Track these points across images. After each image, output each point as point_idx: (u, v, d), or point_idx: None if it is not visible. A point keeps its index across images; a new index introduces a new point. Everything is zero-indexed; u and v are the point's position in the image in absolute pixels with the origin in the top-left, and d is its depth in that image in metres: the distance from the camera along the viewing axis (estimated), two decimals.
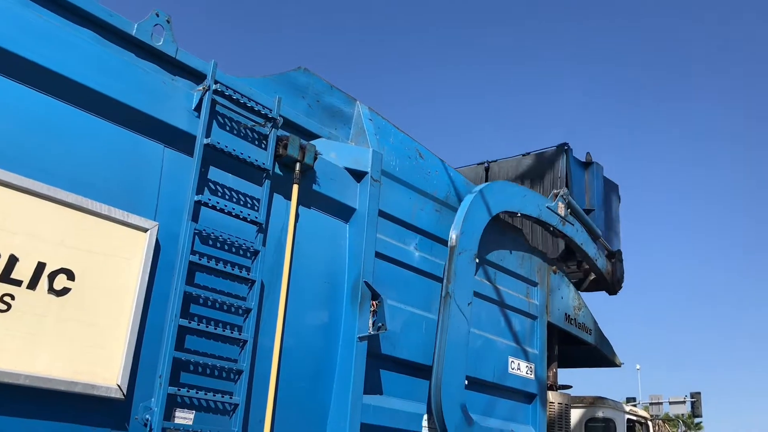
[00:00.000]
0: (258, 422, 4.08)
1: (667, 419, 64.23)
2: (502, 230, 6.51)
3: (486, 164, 9.01)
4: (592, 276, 8.00)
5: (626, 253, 9.22)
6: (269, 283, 4.31)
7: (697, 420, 61.24)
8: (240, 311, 4.11)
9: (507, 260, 6.51)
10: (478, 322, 6.04)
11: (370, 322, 4.80)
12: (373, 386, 4.96)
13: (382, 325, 4.78)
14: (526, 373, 6.46)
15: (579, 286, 8.10)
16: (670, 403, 43.30)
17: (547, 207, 6.97)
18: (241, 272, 4.11)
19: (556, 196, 7.07)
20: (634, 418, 7.81)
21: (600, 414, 7.52)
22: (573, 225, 7.34)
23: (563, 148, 8.39)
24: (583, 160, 8.73)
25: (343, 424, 4.55)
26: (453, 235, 5.58)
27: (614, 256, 8.16)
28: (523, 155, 8.82)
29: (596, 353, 8.06)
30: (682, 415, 60.54)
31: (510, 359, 6.29)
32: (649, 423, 8.01)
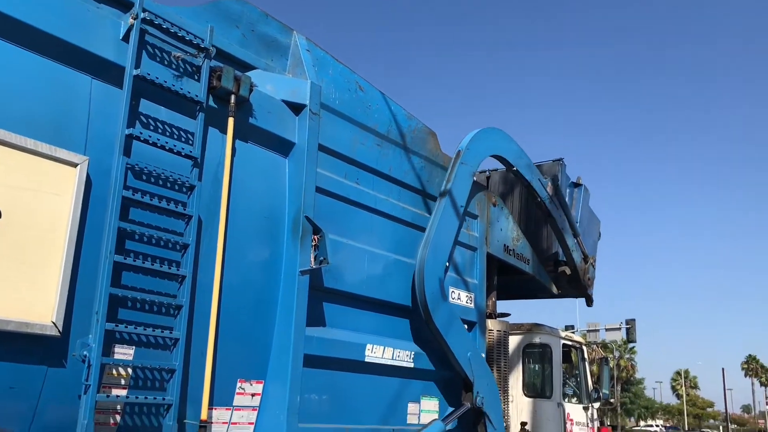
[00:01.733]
0: (200, 356, 4.10)
1: (603, 345, 67.28)
2: (444, 165, 6.55)
3: (487, 173, 9.20)
4: (568, 272, 8.33)
5: None
6: (207, 218, 4.26)
7: (631, 345, 64.70)
8: (177, 247, 4.06)
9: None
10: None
11: (312, 256, 4.82)
12: (316, 319, 5.02)
13: (324, 259, 4.81)
14: (466, 303, 6.63)
15: (556, 285, 8.61)
16: (606, 329, 45.31)
17: (539, 180, 7.78)
18: (177, 208, 4.05)
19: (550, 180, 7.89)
20: (570, 343, 8.15)
21: (537, 340, 7.81)
22: (558, 210, 8.03)
23: (559, 162, 8.92)
24: (574, 180, 9.47)
25: (285, 356, 4.61)
26: (462, 144, 6.57)
27: (588, 260, 8.69)
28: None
29: (534, 283, 8.32)
30: (616, 341, 63.60)
31: (450, 289, 6.43)
32: (584, 347, 8.37)
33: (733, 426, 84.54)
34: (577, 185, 9.48)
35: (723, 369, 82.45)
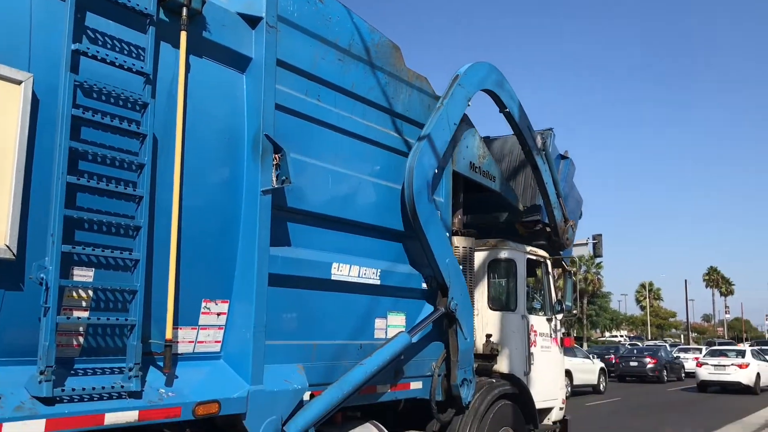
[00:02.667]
0: (162, 277, 4.08)
1: (571, 262, 69.07)
2: (410, 81, 6.43)
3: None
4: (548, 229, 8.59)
5: None
6: (163, 137, 4.15)
7: (597, 260, 66.38)
8: (133, 167, 3.97)
9: (413, 110, 6.49)
10: (385, 173, 6.11)
11: (274, 175, 4.76)
12: (280, 238, 5.00)
13: (286, 178, 4.75)
14: None
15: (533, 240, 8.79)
16: (574, 245, 46.73)
17: (529, 128, 7.99)
18: (130, 126, 3.93)
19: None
20: (534, 257, 8.28)
21: (502, 255, 7.91)
22: (544, 164, 8.24)
23: (549, 131, 8.93)
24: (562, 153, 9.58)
25: (250, 275, 4.61)
26: (461, 70, 6.94)
27: (568, 222, 8.79)
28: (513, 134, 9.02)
29: (501, 200, 8.37)
30: (583, 256, 65.15)
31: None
32: (548, 262, 8.52)
33: (694, 334, 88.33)
34: (563, 158, 9.68)
35: (686, 281, 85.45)
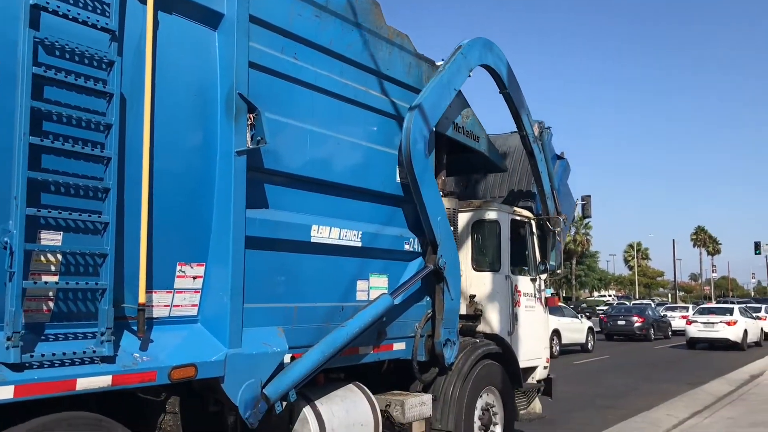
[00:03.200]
0: (134, 241, 3.99)
1: None
2: (390, 39, 6.27)
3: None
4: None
5: None
6: (131, 96, 4.02)
7: (586, 220, 66.72)
8: (100, 128, 3.85)
9: (394, 69, 6.35)
10: (366, 134, 6.00)
11: (248, 136, 4.65)
12: (257, 200, 4.92)
13: (262, 138, 4.65)
14: None
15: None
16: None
17: (527, 114, 8.11)
18: (96, 85, 3.80)
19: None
20: (518, 218, 8.22)
21: (486, 216, 7.85)
22: (540, 153, 8.34)
23: (547, 130, 8.94)
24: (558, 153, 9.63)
25: (225, 239, 4.53)
26: (464, 42, 7.10)
27: (561, 215, 8.79)
28: (511, 133, 9.06)
29: (485, 160, 8.28)
30: (573, 217, 65.34)
31: (398, 169, 6.35)
32: (532, 222, 8.47)
33: (681, 293, 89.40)
34: (560, 158, 9.73)
35: (673, 240, 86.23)
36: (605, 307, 42.41)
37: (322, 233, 5.45)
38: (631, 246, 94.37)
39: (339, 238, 5.62)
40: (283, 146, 5.10)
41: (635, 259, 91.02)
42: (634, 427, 10.02)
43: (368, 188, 6.02)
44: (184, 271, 4.38)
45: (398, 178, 6.35)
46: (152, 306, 4.18)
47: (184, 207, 4.38)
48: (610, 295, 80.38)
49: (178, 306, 4.36)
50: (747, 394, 13.35)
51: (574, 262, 69.14)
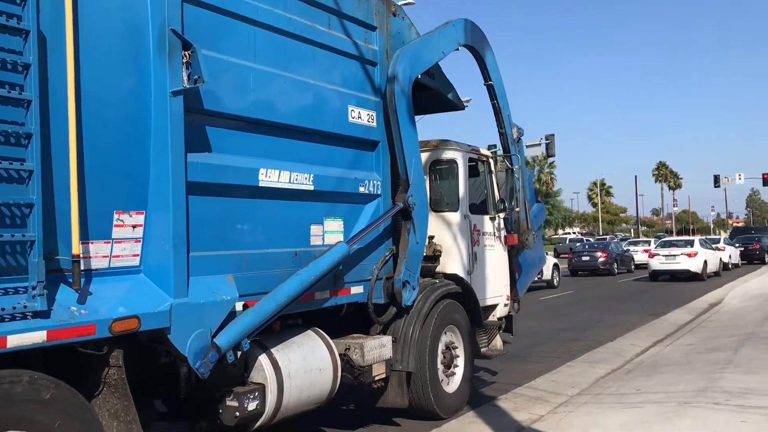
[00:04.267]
0: (63, 189, 3.76)
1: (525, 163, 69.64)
2: None
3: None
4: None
5: None
6: (51, 34, 3.72)
7: (550, 159, 67.15)
8: (18, 68, 3.56)
9: (343, 3, 6.07)
10: (315, 72, 5.76)
11: (184, 74, 4.39)
12: (200, 144, 4.70)
13: (199, 77, 4.40)
14: (368, 122, 6.37)
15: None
16: (527, 146, 46.62)
17: (508, 115, 8.60)
18: (9, 21, 3.50)
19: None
20: (476, 156, 8.10)
21: (443, 156, 7.71)
22: (516, 154, 8.67)
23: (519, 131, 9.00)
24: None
25: (165, 184, 4.32)
26: (454, 19, 7.63)
27: (530, 229, 8.84)
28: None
29: (440, 98, 8.10)
30: (537, 156, 65.79)
31: (350, 108, 6.14)
32: (491, 160, 8.36)
33: (644, 228, 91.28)
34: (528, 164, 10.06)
35: (636, 176, 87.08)
36: (577, 244, 43.02)
37: (270, 177, 5.26)
38: (594, 183, 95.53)
39: (289, 182, 5.44)
40: (224, 86, 4.85)
41: (599, 196, 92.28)
42: (598, 358, 10.19)
43: (319, 129, 5.82)
44: (122, 220, 4.17)
45: (350, 118, 6.15)
46: (89, 257, 3.98)
47: (118, 152, 4.14)
48: (574, 233, 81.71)
49: (118, 256, 4.17)
50: (706, 322, 13.72)
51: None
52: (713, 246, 31.05)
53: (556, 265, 26.27)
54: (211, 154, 4.80)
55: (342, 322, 6.46)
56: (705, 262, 27.84)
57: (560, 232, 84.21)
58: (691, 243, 28.94)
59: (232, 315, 4.80)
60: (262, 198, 5.22)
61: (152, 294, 4.26)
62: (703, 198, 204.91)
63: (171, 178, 4.32)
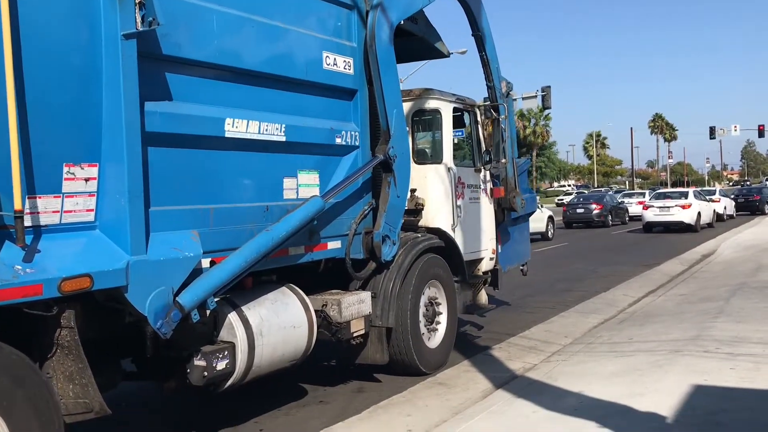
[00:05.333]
0: (3, 141, 3.49)
1: (520, 115, 68.87)
2: None
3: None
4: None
5: None
6: None
7: (546, 112, 66.56)
8: None
9: None
10: (283, 15, 5.43)
11: (137, 16, 4.08)
12: (159, 92, 4.43)
13: (153, 19, 4.11)
14: (345, 69, 6.07)
15: None
16: (523, 98, 45.88)
17: (496, 68, 8.31)
18: None
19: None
20: (461, 106, 7.80)
21: (427, 105, 7.41)
22: (504, 113, 8.25)
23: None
24: None
25: (118, 135, 4.05)
26: None
27: (517, 191, 8.49)
28: None
29: (424, 44, 7.77)
30: (532, 109, 65.22)
31: (324, 54, 5.83)
32: (477, 110, 8.05)
33: (638, 180, 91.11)
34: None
35: (631, 128, 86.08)
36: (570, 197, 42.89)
37: (238, 127, 4.99)
38: (590, 135, 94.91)
39: (259, 133, 5.17)
40: (185, 30, 4.55)
41: (594, 149, 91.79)
42: (591, 308, 10.20)
43: (291, 77, 5.52)
44: (73, 173, 3.91)
45: (325, 65, 5.84)
46: (37, 213, 3.74)
47: (66, 100, 3.86)
48: (569, 185, 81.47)
49: (70, 212, 3.92)
50: (699, 272, 13.73)
51: (534, 153, 69.42)
52: (707, 197, 30.93)
53: (550, 218, 26.14)
54: (172, 103, 4.53)
55: (322, 278, 6.28)
56: (699, 213, 27.77)
57: (555, 185, 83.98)
58: (685, 195, 28.84)
59: (198, 272, 4.59)
60: (229, 149, 4.96)
61: (108, 251, 4.04)
62: (698, 150, 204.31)
63: (124, 128, 4.04)
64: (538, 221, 25.18)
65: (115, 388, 4.85)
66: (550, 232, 25.79)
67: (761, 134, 46.54)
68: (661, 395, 5.28)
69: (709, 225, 29.22)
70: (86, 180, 3.99)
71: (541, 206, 27.36)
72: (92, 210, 4.05)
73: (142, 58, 4.15)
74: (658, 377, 5.82)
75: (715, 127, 52.39)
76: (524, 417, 5.13)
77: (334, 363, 7.38)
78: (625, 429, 4.65)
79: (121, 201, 4.07)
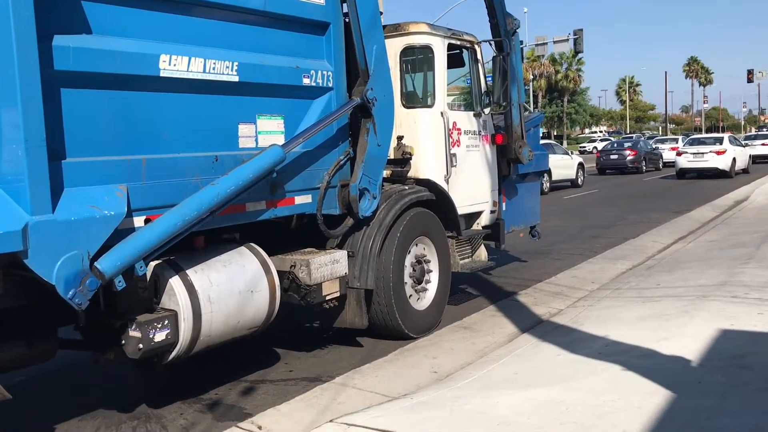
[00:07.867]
0: None
1: (552, 60, 66.63)
2: None
3: None
4: None
5: None
6: None
7: (578, 56, 64.28)
8: None
9: None
10: None
11: None
12: (71, 23, 3.79)
13: None
14: None
15: None
16: (555, 42, 44.22)
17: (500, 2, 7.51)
18: None
19: None
20: (457, 42, 6.98)
21: (416, 41, 6.60)
22: (509, 48, 7.44)
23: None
24: None
25: (11, 74, 3.41)
26: None
27: (523, 140, 7.79)
28: None
29: None
30: (564, 53, 62.95)
31: None
32: (476, 47, 7.24)
33: (672, 125, 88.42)
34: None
35: (665, 72, 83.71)
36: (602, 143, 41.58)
37: (177, 65, 4.33)
38: (623, 80, 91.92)
39: (204, 72, 4.51)
40: None
41: (627, 94, 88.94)
42: (619, 255, 9.94)
43: (245, 6, 4.82)
44: None
45: None
46: None
47: None
48: (600, 131, 79.24)
49: None
50: (731, 219, 13.23)
51: (565, 99, 67.42)
52: (743, 142, 29.70)
53: (581, 164, 25.36)
54: (90, 37, 3.89)
55: (299, 236, 5.68)
56: (734, 159, 26.76)
57: (587, 131, 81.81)
58: (720, 140, 27.70)
59: (127, 233, 4.01)
60: (165, 91, 4.32)
61: (5, 211, 3.46)
62: (734, 95, 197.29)
63: (17, 65, 3.41)
64: (567, 168, 24.44)
65: (51, 358, 4.37)
66: (580, 179, 25.06)
67: None
68: (687, 339, 5.15)
69: (744, 171, 28.26)
70: None
71: (571, 153, 26.49)
72: None
73: None
74: (684, 322, 5.66)
75: (753, 70, 50.20)
76: (549, 360, 5.10)
77: (317, 324, 6.84)
78: (649, 370, 4.49)
79: (17, 152, 3.47)
